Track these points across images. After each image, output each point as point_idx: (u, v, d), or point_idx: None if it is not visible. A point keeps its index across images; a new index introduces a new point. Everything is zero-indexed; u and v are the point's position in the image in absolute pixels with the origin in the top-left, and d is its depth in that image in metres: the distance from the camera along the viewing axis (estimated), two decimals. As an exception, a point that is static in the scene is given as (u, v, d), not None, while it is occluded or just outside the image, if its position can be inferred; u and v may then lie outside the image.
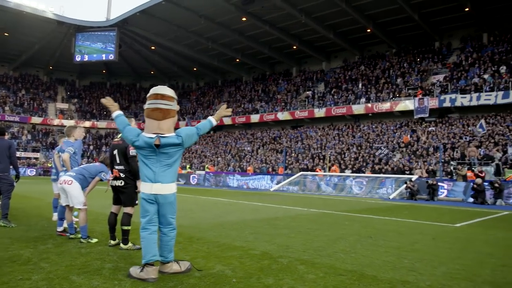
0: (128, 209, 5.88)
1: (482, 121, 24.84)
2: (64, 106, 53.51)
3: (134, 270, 4.41)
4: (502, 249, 6.72)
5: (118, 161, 5.92)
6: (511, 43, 30.67)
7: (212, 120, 4.86)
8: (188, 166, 36.99)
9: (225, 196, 18.29)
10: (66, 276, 4.34)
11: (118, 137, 6.01)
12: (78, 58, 46.01)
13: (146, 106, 4.57)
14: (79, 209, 6.28)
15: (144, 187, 4.45)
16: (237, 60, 46.57)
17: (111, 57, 44.98)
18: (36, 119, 48.67)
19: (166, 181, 4.45)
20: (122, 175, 5.85)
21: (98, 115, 53.32)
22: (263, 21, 36.46)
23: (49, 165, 40.02)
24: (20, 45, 47.32)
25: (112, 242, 6.00)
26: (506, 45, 30.84)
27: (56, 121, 49.54)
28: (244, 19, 36.02)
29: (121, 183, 5.85)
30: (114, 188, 5.96)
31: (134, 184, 5.93)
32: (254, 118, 41.27)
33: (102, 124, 51.40)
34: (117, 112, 4.86)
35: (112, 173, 5.96)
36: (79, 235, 6.32)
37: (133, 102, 57.04)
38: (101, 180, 6.53)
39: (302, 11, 33.69)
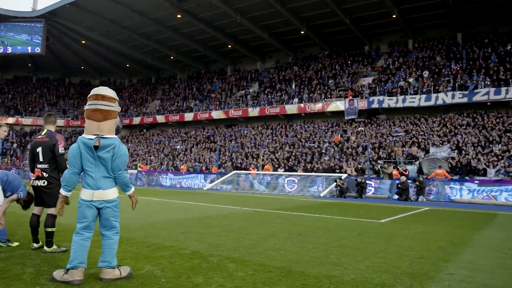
0: (52, 210, 5.58)
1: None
2: (-15, 101, 50.13)
3: (58, 273, 4.24)
4: (420, 242, 7.14)
5: (41, 160, 5.61)
6: (433, 50, 32.64)
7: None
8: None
9: (157, 196, 18.01)
10: (-19, 282, 4.10)
11: (43, 133, 5.72)
12: (0, 49, 43.28)
13: (86, 107, 4.42)
14: None
15: (85, 194, 4.31)
16: (172, 57, 45.92)
17: (38, 50, 42.74)
18: (-48, 115, 45.29)
19: (107, 187, 4.37)
20: (45, 174, 5.57)
21: (23, 111, 50.34)
22: (198, 19, 36.20)
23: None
24: None
25: (35, 245, 5.72)
26: (428, 51, 32.79)
27: (-25, 117, 46.32)
28: (179, 16, 35.57)
29: (44, 183, 5.57)
30: (36, 188, 5.66)
31: (58, 184, 5.63)
32: (188, 116, 40.88)
33: (27, 120, 48.68)
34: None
35: (34, 173, 5.66)
36: (-2, 239, 5.98)
37: (61, 98, 54.46)
38: (16, 200, 6.20)
39: (237, 10, 33.82)
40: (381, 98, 29.63)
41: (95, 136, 4.27)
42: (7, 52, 43.69)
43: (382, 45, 37.16)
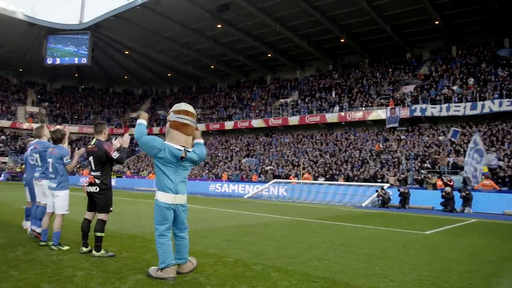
0: (102, 216, 5.82)
1: (454, 129, 25.10)
2: (34, 109, 52.28)
3: (153, 270, 4.75)
4: (468, 256, 6.92)
5: (93, 168, 5.88)
6: (478, 57, 31.67)
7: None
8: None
9: (198, 203, 18.15)
10: (36, 284, 4.28)
11: (92, 143, 5.96)
12: (49, 61, 45.17)
13: (174, 118, 4.87)
14: (59, 214, 6.32)
15: (166, 197, 4.73)
16: (212, 66, 46.57)
17: (84, 61, 44.34)
18: (4, 122, 47.39)
19: (183, 192, 4.88)
20: (97, 181, 5.81)
21: (70, 119, 52.22)
22: (238, 28, 36.61)
23: (18, 170, 38.99)
24: (-12, 46, 46.10)
25: (84, 249, 5.92)
26: (473, 58, 31.83)
27: (25, 125, 48.31)
28: (219, 26, 36.07)
29: (96, 189, 5.80)
30: (89, 194, 5.91)
31: (109, 190, 5.91)
32: (228, 125, 41.27)
33: (73, 128, 50.31)
34: (142, 120, 5.03)
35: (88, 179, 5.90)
36: (50, 243, 6.22)
37: (106, 107, 56.25)
38: None
39: (277, 19, 34.00)
40: (423, 106, 28.94)
41: (183, 148, 4.77)
42: (56, 63, 45.53)
43: (424, 52, 36.40)
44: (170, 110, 5.01)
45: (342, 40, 36.25)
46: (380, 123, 31.52)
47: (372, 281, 4.89)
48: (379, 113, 31.07)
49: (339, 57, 41.56)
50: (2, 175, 38.97)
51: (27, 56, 49.10)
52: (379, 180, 23.60)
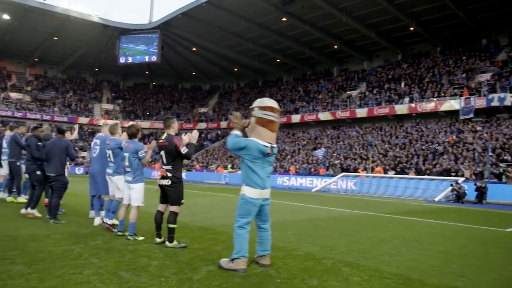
0: (174, 208, 6.01)
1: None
2: (109, 106, 55.03)
3: (224, 262, 4.85)
4: (557, 255, 6.44)
5: (165, 161, 6.07)
6: None
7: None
8: (229, 166, 37.27)
9: (265, 196, 18.26)
10: (115, 271, 4.50)
11: (163, 138, 6.14)
12: (122, 60, 47.23)
13: (260, 115, 4.92)
14: (134, 206, 6.63)
15: (253, 193, 4.85)
16: (278, 60, 46.53)
17: (154, 58, 45.87)
18: (83, 119, 50.18)
19: (268, 187, 5.01)
20: (169, 174, 5.99)
21: (141, 115, 54.52)
22: (303, 21, 36.28)
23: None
24: (68, 48, 48.89)
25: (158, 240, 6.15)
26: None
27: (101, 122, 50.79)
28: (284, 19, 35.95)
29: (168, 182, 5.99)
30: (161, 187, 6.11)
31: (180, 183, 6.08)
32: (295, 118, 41.18)
33: (145, 124, 52.43)
34: (236, 132, 5.05)
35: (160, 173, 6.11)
36: (127, 233, 6.52)
37: (175, 103, 58.05)
38: None
39: (342, 10, 33.31)
40: (502, 95, 27.15)
41: (269, 144, 4.85)
42: (128, 62, 47.55)
43: (502, 38, 34.04)
44: (254, 104, 5.02)
45: (412, 29, 34.87)
46: (453, 114, 30.04)
47: (448, 279, 4.68)
48: (452, 104, 29.61)
49: (408, 46, 40.00)
50: (82, 168, 41.34)
51: (101, 56, 51.69)
52: (453, 174, 22.55)
